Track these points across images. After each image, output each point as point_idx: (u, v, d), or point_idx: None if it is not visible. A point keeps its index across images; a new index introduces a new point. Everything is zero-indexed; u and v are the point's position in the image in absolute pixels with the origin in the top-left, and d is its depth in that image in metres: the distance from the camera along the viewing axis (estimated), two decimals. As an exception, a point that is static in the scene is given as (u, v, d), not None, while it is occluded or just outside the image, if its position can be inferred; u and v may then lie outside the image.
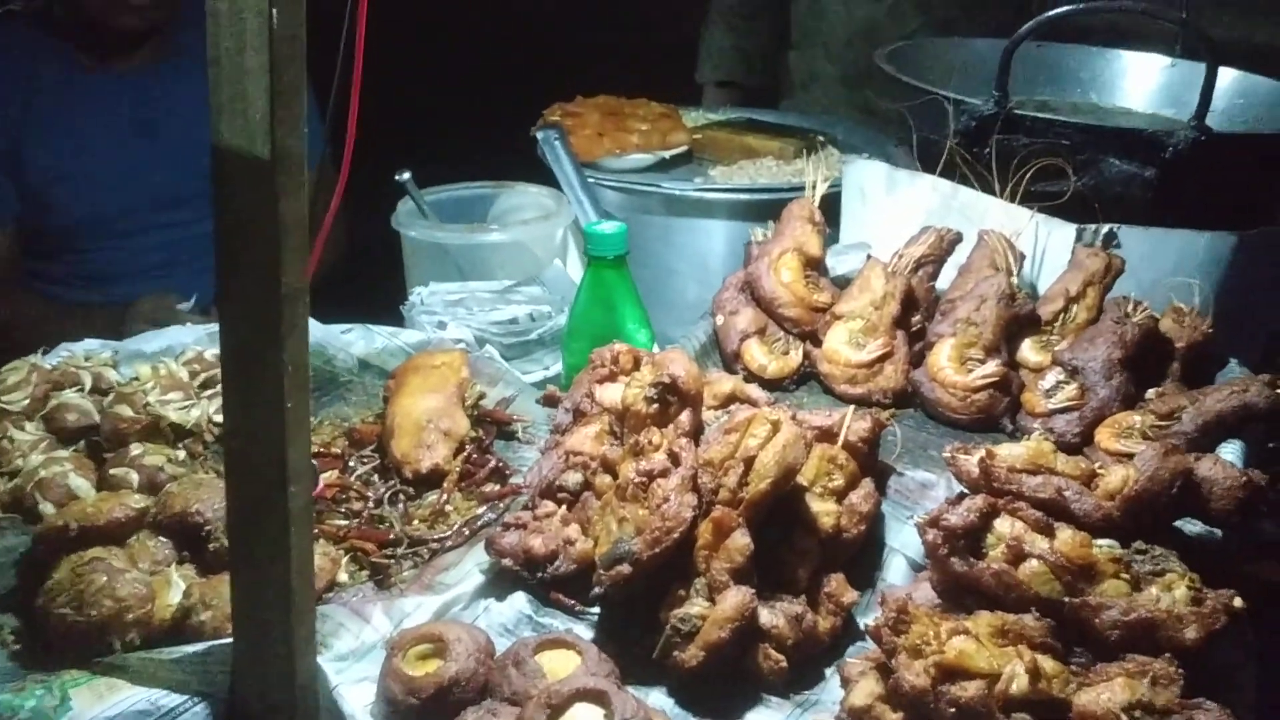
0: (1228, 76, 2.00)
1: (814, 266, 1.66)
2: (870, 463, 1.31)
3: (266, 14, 0.87)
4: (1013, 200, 1.65)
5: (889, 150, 2.41)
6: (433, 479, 1.46)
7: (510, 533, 1.31)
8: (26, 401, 1.57)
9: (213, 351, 1.73)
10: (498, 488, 1.46)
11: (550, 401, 1.44)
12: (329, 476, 1.50)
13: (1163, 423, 1.36)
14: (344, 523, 1.42)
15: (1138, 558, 1.10)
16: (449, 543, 1.37)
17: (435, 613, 1.25)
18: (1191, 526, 1.21)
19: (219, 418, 1.60)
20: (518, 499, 1.43)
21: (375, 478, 1.51)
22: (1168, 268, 1.62)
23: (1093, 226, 1.61)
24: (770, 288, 1.62)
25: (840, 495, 1.29)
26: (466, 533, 1.38)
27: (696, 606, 1.19)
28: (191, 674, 1.14)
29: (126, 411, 1.53)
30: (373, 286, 2.29)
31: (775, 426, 1.26)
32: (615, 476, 1.33)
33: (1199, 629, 1.04)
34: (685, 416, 1.31)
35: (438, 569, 1.33)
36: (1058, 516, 1.15)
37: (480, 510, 1.42)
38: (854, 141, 2.49)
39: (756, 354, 1.59)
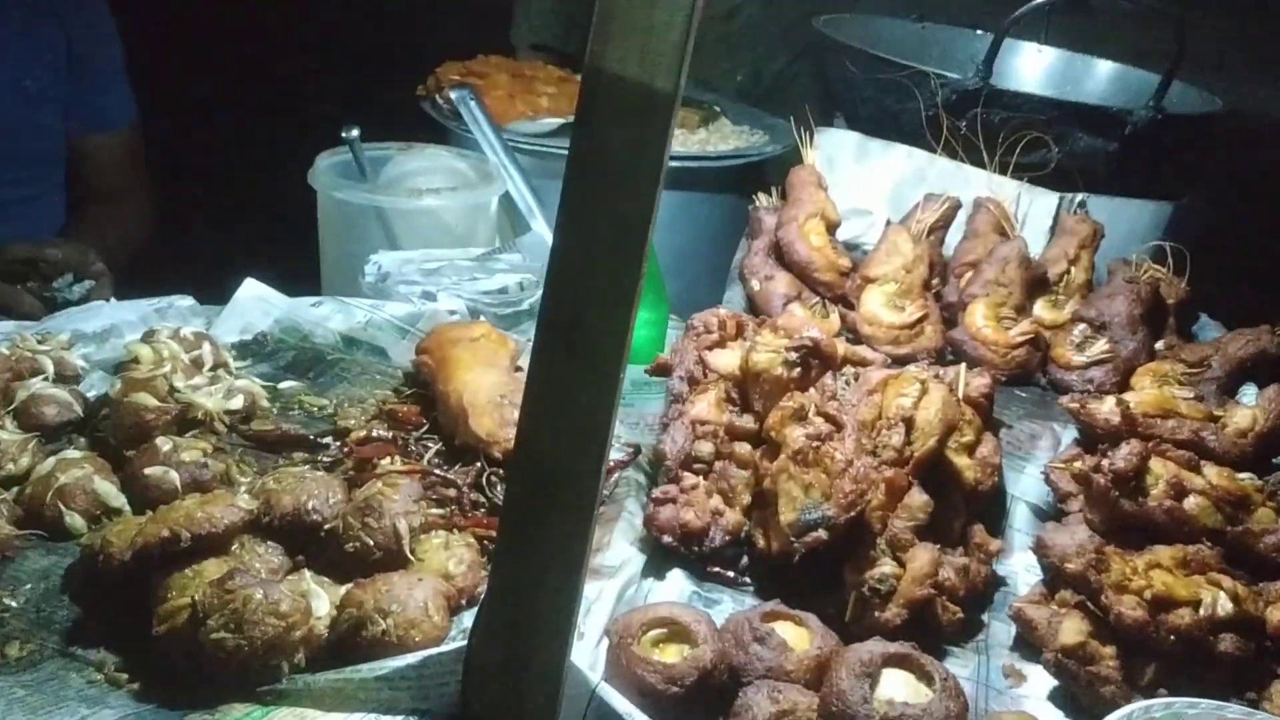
0: (1106, 67, 2.24)
1: (832, 231, 1.70)
2: (988, 417, 1.37)
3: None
4: (999, 171, 1.77)
5: (763, 120, 2.50)
6: (520, 458, 1.36)
7: (664, 508, 1.25)
8: (-12, 395, 1.30)
9: (190, 329, 1.50)
10: (591, 464, 1.38)
11: (662, 370, 1.38)
12: (393, 464, 1.35)
13: (1193, 370, 1.52)
14: (439, 512, 1.28)
15: (1283, 487, 1.24)
16: (580, 524, 1.28)
17: (617, 597, 1.17)
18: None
19: (231, 404, 1.40)
20: (624, 474, 1.36)
21: (442, 462, 1.38)
22: (1122, 231, 1.80)
23: (1071, 195, 1.76)
24: (804, 253, 1.64)
25: (971, 450, 1.33)
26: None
27: (888, 566, 1.20)
28: (403, 690, 1.01)
29: (149, 401, 1.30)
30: (276, 249, 2.07)
31: (924, 386, 1.29)
32: (750, 443, 1.31)
33: (1356, 544, 1.19)
34: (829, 379, 1.31)
35: (586, 552, 1.24)
36: (1195, 455, 1.26)
37: (589, 488, 1.34)
38: (731, 113, 2.55)
39: (800, 317, 1.60)
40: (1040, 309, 1.66)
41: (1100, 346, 1.57)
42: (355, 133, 1.87)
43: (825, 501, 1.19)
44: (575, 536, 0.93)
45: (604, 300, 0.87)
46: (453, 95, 2.12)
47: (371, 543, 1.14)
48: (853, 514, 1.18)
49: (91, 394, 1.41)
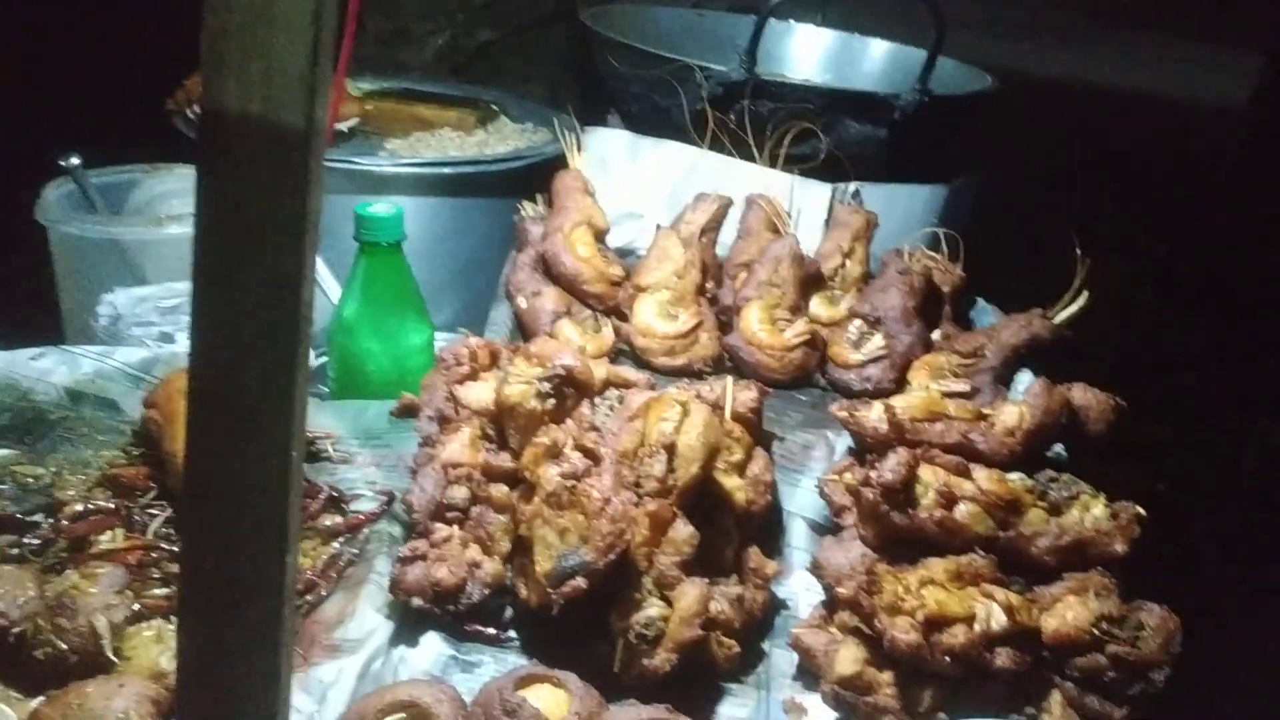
0: (883, 46, 2.22)
1: (601, 239, 1.61)
2: (759, 432, 1.31)
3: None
4: (770, 164, 1.71)
5: (547, 117, 2.39)
6: (259, 521, 1.23)
7: (413, 567, 1.14)
8: None
9: None
10: (339, 519, 1.27)
11: (409, 412, 1.27)
12: (115, 539, 1.21)
13: (967, 360, 1.49)
14: (162, 592, 1.15)
15: (1051, 486, 1.20)
16: (323, 592, 1.16)
17: (358, 676, 1.06)
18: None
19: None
20: (375, 528, 1.25)
21: (171, 533, 1.24)
22: (897, 218, 1.77)
23: (844, 185, 1.72)
24: (571, 265, 1.54)
25: (741, 468, 1.27)
26: (334, 576, 1.19)
27: (654, 608, 1.12)
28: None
29: None
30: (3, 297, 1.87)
31: (685, 408, 1.21)
32: (507, 484, 1.21)
33: (1123, 541, 1.16)
34: (585, 409, 1.22)
35: (328, 625, 1.12)
36: (965, 458, 1.22)
37: (336, 548, 1.22)
38: (512, 111, 2.44)
39: (571, 334, 1.51)
40: (817, 306, 1.61)
41: (876, 343, 1.53)
42: (76, 161, 1.69)
43: (583, 546, 1.10)
44: (267, 635, 0.81)
45: (262, 369, 0.75)
46: (199, 109, 1.95)
47: (65, 647, 1.00)
48: (612, 556, 1.09)
49: None
